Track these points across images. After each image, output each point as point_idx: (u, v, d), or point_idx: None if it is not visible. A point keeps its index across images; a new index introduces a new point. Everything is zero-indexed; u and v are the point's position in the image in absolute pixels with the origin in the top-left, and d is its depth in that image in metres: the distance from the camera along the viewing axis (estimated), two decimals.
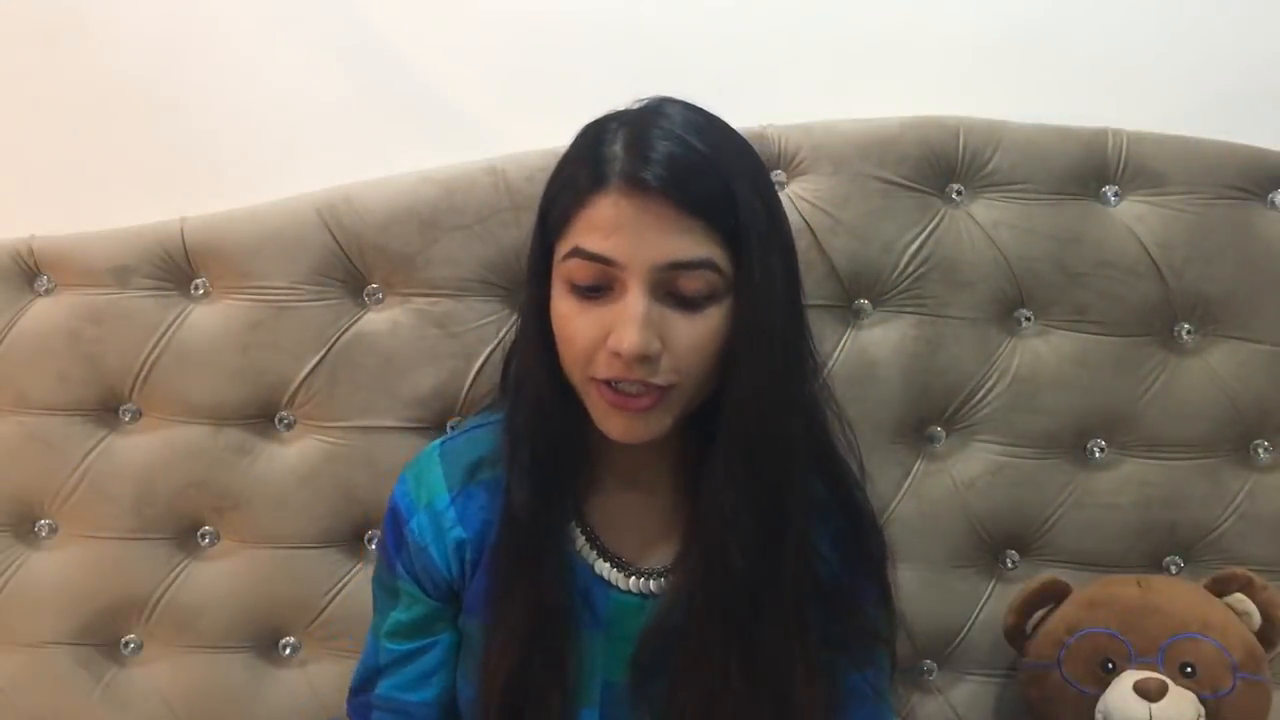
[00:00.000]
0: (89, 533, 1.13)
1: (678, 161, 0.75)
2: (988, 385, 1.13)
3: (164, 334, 1.11)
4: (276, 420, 1.13)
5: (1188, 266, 1.12)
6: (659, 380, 0.76)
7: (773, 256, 0.78)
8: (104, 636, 1.14)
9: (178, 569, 1.14)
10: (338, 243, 1.09)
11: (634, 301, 0.74)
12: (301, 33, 1.18)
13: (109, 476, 1.12)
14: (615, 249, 0.74)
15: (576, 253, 0.76)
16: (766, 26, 1.18)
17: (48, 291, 1.12)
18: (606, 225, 0.75)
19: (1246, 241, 1.12)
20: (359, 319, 1.11)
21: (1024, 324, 1.13)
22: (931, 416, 1.14)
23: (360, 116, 1.19)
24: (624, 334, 0.74)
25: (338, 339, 1.10)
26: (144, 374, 1.11)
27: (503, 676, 0.82)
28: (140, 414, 1.13)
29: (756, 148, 1.08)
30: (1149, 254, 1.12)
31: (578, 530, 0.86)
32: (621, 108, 0.82)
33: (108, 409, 1.12)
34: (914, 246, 1.11)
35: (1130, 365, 1.13)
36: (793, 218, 1.09)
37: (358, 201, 1.09)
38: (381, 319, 1.11)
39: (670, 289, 0.75)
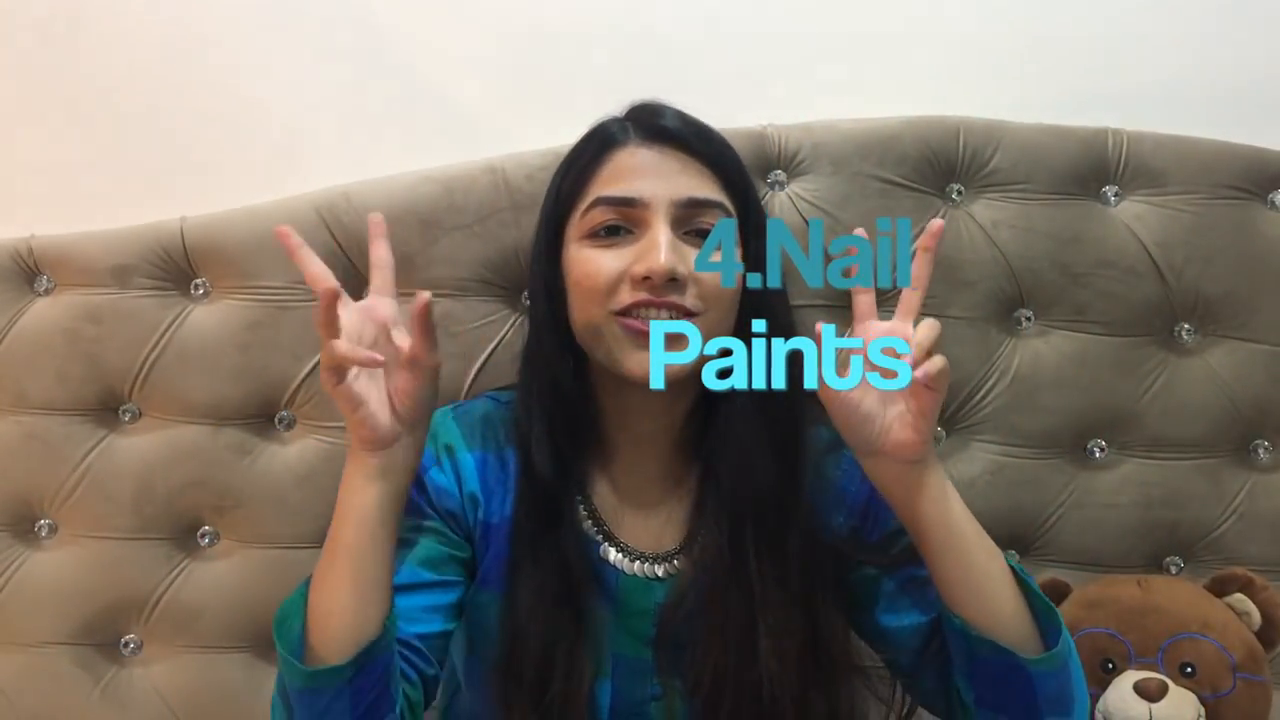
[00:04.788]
0: (89, 532, 1.13)
1: (688, 120, 0.85)
2: (988, 385, 1.13)
3: (164, 334, 1.11)
4: (276, 420, 1.13)
5: (1188, 266, 1.12)
6: (686, 303, 0.79)
7: (764, 218, 0.86)
8: (103, 636, 1.14)
9: (177, 569, 1.14)
10: (337, 242, 1.09)
11: (659, 231, 0.80)
12: (301, 33, 1.18)
13: (109, 476, 1.12)
14: (638, 189, 0.80)
15: (599, 202, 0.81)
16: (766, 26, 1.18)
17: (47, 291, 1.12)
18: (627, 172, 0.81)
19: (1246, 241, 1.12)
20: None
21: (1024, 324, 1.13)
22: None
23: (360, 116, 1.19)
24: (652, 257, 0.78)
25: None
26: (144, 374, 1.11)
27: (536, 639, 0.82)
28: (140, 414, 1.13)
29: (756, 147, 1.10)
30: (1149, 254, 1.12)
31: (584, 513, 0.87)
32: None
33: (107, 409, 1.12)
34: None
35: (1130, 365, 1.13)
36: (793, 218, 1.09)
37: (358, 201, 1.09)
38: None
39: (688, 226, 0.81)
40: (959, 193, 1.12)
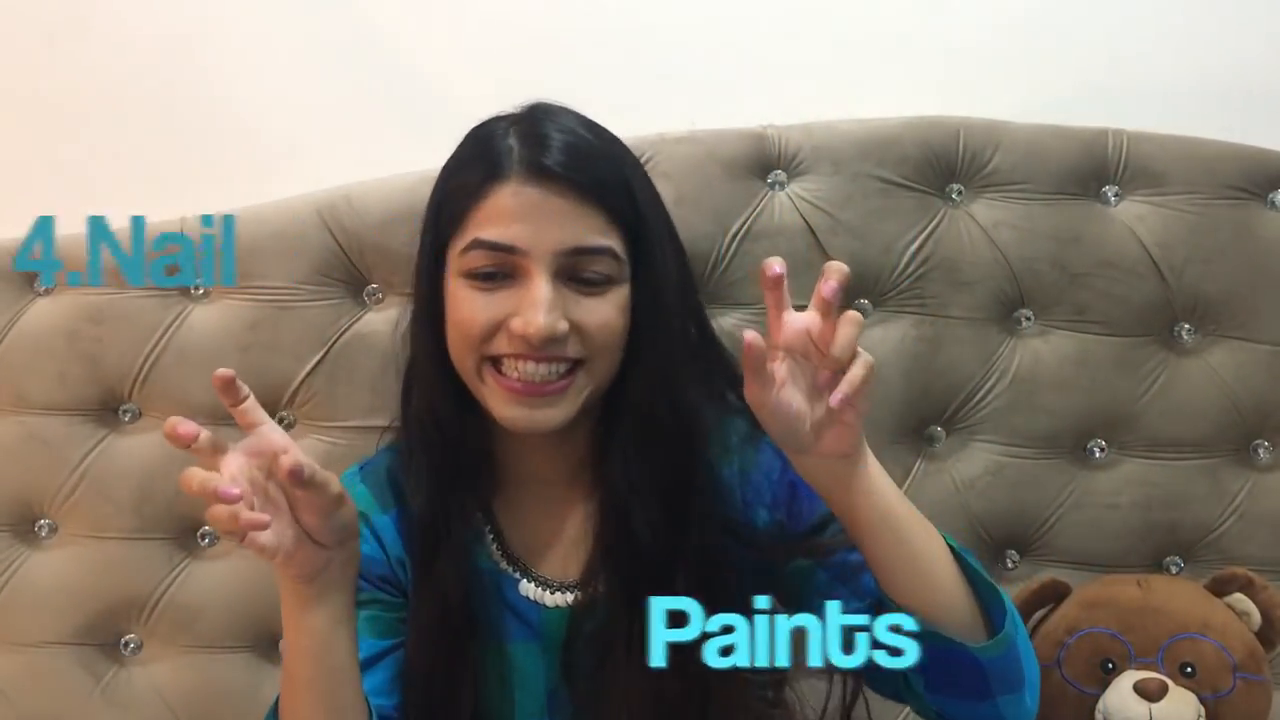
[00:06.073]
0: (89, 533, 1.13)
1: (575, 149, 0.77)
2: (988, 385, 1.13)
3: (164, 334, 1.11)
4: (276, 420, 1.12)
5: (1188, 266, 1.12)
6: (569, 353, 0.76)
7: (665, 243, 0.81)
8: (104, 636, 1.14)
9: (178, 569, 1.14)
10: (338, 243, 1.09)
11: (539, 285, 0.75)
12: (302, 33, 1.18)
13: (109, 476, 1.12)
14: (517, 236, 0.75)
15: (476, 244, 0.76)
16: (766, 26, 1.18)
17: (48, 291, 1.12)
18: (507, 214, 0.76)
19: (1246, 241, 1.12)
20: (359, 319, 1.11)
21: (1024, 324, 1.13)
22: (932, 416, 1.14)
23: (360, 116, 1.19)
24: (530, 317, 0.74)
25: (338, 339, 1.10)
26: (144, 374, 1.11)
27: (418, 677, 0.80)
28: (140, 414, 1.13)
29: (756, 148, 1.10)
30: (1149, 254, 1.12)
31: (497, 549, 0.85)
32: (507, 111, 0.84)
33: (107, 409, 1.12)
34: (914, 246, 1.11)
35: (1130, 365, 1.13)
36: (792, 218, 1.10)
37: (358, 201, 1.09)
38: (381, 319, 1.10)
39: (572, 274, 0.76)
40: (959, 193, 1.12)
